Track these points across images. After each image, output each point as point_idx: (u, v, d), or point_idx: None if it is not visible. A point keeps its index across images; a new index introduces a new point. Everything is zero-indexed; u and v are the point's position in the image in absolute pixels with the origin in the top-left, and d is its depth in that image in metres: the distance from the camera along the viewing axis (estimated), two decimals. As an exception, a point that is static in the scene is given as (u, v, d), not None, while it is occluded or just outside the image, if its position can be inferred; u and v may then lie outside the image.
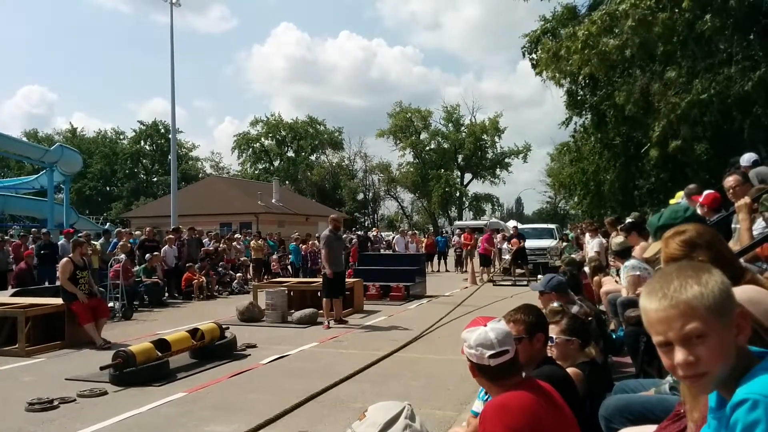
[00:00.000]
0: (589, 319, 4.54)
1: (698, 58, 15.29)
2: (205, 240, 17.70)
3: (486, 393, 2.67)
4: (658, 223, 3.19)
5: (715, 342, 1.21)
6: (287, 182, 61.85)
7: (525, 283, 17.11)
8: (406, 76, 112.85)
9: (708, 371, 1.22)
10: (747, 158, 6.77)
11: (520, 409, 2.20)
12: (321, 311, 10.60)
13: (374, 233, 28.12)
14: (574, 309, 4.90)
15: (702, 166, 17.24)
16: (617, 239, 7.59)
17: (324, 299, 10.34)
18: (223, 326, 8.09)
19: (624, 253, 6.63)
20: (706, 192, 6.30)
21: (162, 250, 14.92)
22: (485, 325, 2.39)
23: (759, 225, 4.16)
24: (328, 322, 10.16)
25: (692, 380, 1.24)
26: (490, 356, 2.31)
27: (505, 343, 2.34)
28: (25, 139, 55.22)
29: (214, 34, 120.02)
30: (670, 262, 2.23)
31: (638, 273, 5.51)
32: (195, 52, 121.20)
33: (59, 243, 14.55)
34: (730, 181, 4.79)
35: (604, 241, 11.48)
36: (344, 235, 20.69)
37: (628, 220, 9.22)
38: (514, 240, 17.98)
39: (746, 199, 4.10)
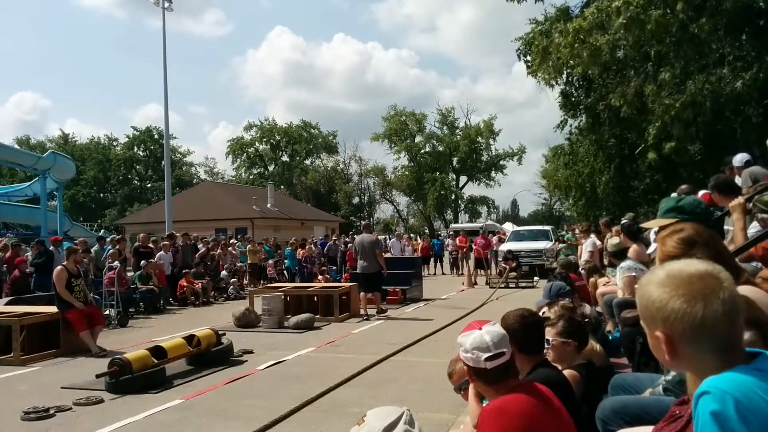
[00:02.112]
0: (586, 320, 4.53)
1: (691, 59, 15.37)
2: (200, 246, 17.66)
3: None
4: (675, 204, 3.19)
5: (648, 339, 1.38)
6: (282, 187, 61.84)
7: (514, 285, 17.21)
8: (402, 79, 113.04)
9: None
10: (740, 158, 6.80)
11: (518, 412, 2.20)
12: (318, 316, 11.22)
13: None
14: (586, 310, 4.92)
15: (696, 166, 17.34)
16: (613, 240, 7.61)
17: (370, 293, 11.90)
18: (220, 332, 8.05)
19: (620, 254, 6.65)
20: (701, 192, 6.34)
21: (157, 256, 14.87)
22: (480, 329, 2.39)
23: (753, 227, 4.18)
24: (370, 314, 11.65)
25: None
26: (487, 359, 2.31)
27: (500, 345, 2.34)
28: (17, 146, 55.02)
29: (210, 38, 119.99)
30: (666, 260, 2.24)
31: (634, 274, 5.52)
32: (190, 57, 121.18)
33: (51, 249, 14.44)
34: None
35: (597, 242, 11.50)
36: (340, 240, 21.07)
37: (623, 220, 9.25)
38: (510, 262, 18.01)
39: (740, 199, 4.11)
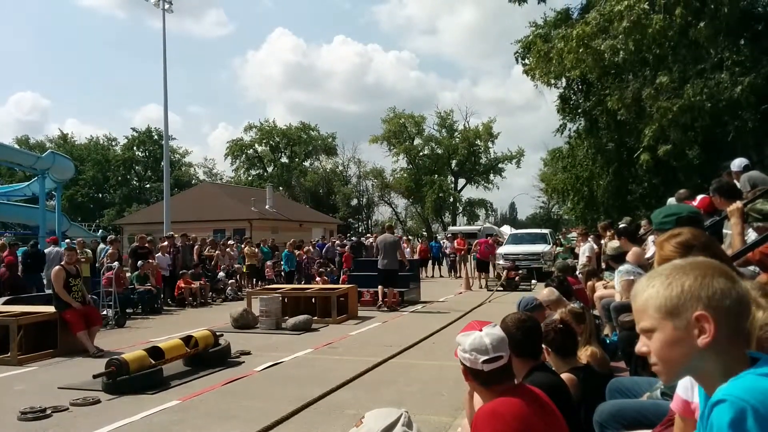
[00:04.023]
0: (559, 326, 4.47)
1: (689, 63, 15.40)
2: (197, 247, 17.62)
3: None
4: (660, 218, 3.22)
5: (662, 339, 1.31)
6: (281, 188, 61.73)
7: (512, 288, 17.19)
8: (403, 81, 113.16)
9: (657, 363, 1.33)
10: (738, 163, 6.82)
11: (512, 416, 2.20)
12: (316, 318, 11.26)
13: (372, 238, 27.76)
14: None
15: (694, 170, 17.35)
16: (612, 244, 7.63)
17: (384, 288, 13.20)
18: (217, 333, 8.05)
19: (618, 258, 6.66)
20: (700, 196, 6.35)
21: (155, 258, 14.83)
22: (481, 330, 2.39)
23: (751, 232, 4.19)
24: (383, 306, 13.06)
25: (652, 367, 1.36)
26: (484, 362, 2.31)
27: (499, 349, 2.35)
28: (16, 146, 54.91)
29: (210, 39, 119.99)
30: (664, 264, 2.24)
31: (632, 278, 5.52)
32: (191, 57, 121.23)
33: (46, 251, 14.44)
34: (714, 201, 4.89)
35: (594, 246, 11.52)
36: (338, 241, 21.36)
37: (621, 225, 9.28)
38: (512, 272, 18.03)
39: (738, 204, 4.12)
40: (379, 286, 13.34)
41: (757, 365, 1.27)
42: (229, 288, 16.85)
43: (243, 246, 19.87)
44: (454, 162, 64.11)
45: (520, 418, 2.20)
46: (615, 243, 7.40)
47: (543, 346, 3.42)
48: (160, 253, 15.26)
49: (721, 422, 1.16)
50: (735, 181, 6.46)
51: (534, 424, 2.22)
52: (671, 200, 7.43)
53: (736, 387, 1.20)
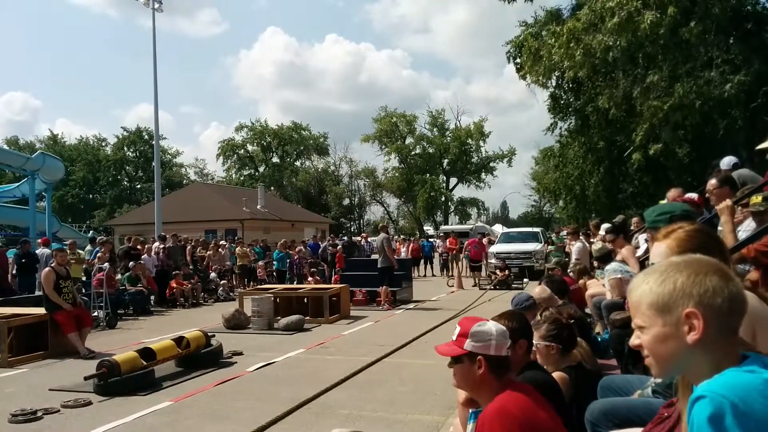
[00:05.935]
0: (571, 321, 4.53)
1: (679, 62, 15.49)
2: (189, 247, 17.55)
3: None
4: (653, 216, 3.23)
5: (653, 335, 1.32)
6: (272, 188, 61.63)
7: (505, 287, 17.23)
8: (395, 80, 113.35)
9: (649, 357, 1.34)
10: (727, 161, 6.87)
11: (520, 411, 2.22)
12: (308, 318, 11.22)
13: (364, 237, 27.72)
14: (570, 309, 4.91)
15: (684, 169, 17.46)
16: (596, 246, 7.68)
17: (385, 287, 13.30)
18: (209, 334, 8.02)
19: (604, 258, 6.71)
20: (686, 195, 6.39)
21: (141, 259, 14.75)
22: (488, 321, 2.46)
23: (749, 225, 4.21)
24: (386, 305, 13.18)
25: (644, 359, 1.37)
26: (509, 346, 2.40)
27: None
28: (5, 146, 54.48)
29: (203, 38, 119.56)
30: (675, 248, 2.23)
31: (620, 276, 5.57)
32: (183, 57, 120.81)
33: (38, 252, 14.33)
34: (711, 184, 4.87)
35: (586, 244, 11.55)
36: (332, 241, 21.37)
37: (614, 221, 9.32)
38: (503, 273, 18.09)
39: (728, 202, 4.15)
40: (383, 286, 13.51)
41: (744, 363, 1.28)
42: (221, 288, 16.80)
43: (235, 246, 19.80)
44: (445, 161, 64.22)
45: (527, 415, 2.22)
46: (598, 245, 7.45)
47: (550, 343, 3.44)
48: (145, 255, 15.17)
49: (700, 418, 1.16)
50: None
51: (539, 421, 2.23)
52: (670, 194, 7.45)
53: (716, 383, 1.20)
